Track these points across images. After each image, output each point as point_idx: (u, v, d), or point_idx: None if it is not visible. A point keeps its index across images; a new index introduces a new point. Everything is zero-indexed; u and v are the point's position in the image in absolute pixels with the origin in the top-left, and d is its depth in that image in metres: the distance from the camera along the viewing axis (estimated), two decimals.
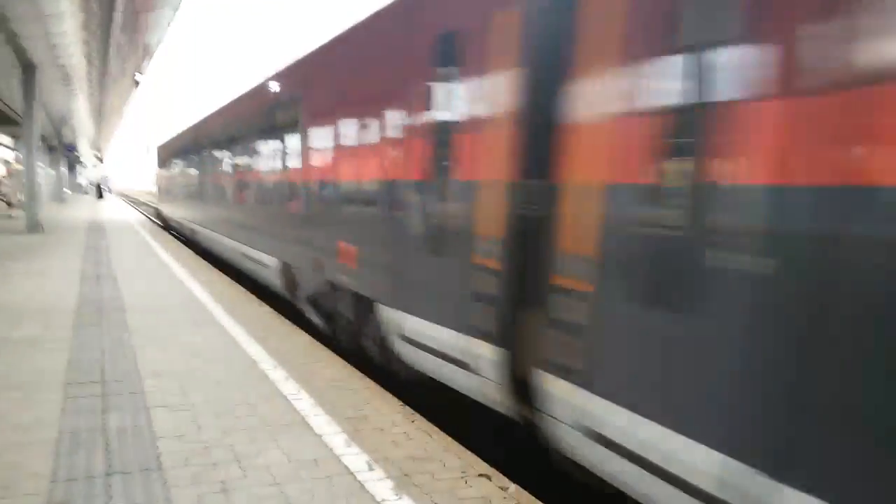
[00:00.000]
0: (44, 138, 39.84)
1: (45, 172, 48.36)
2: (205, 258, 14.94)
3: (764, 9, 2.72)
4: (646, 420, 3.18)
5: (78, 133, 46.82)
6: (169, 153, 22.94)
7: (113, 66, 20.47)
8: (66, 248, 15.83)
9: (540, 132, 4.00)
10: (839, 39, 2.43)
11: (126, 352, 6.45)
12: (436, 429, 4.58)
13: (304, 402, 5.03)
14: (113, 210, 37.62)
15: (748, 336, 2.73)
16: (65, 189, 48.91)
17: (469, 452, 4.26)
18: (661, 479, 3.09)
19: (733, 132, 2.81)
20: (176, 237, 20.74)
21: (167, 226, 24.59)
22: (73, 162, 52.42)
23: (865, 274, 2.34)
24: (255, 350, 6.68)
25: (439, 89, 5.18)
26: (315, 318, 8.55)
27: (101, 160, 62.26)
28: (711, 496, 2.82)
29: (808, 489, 2.47)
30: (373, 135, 6.38)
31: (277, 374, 5.78)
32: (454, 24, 4.92)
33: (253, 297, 10.01)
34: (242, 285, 11.16)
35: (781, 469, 2.58)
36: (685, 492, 2.96)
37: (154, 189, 31.00)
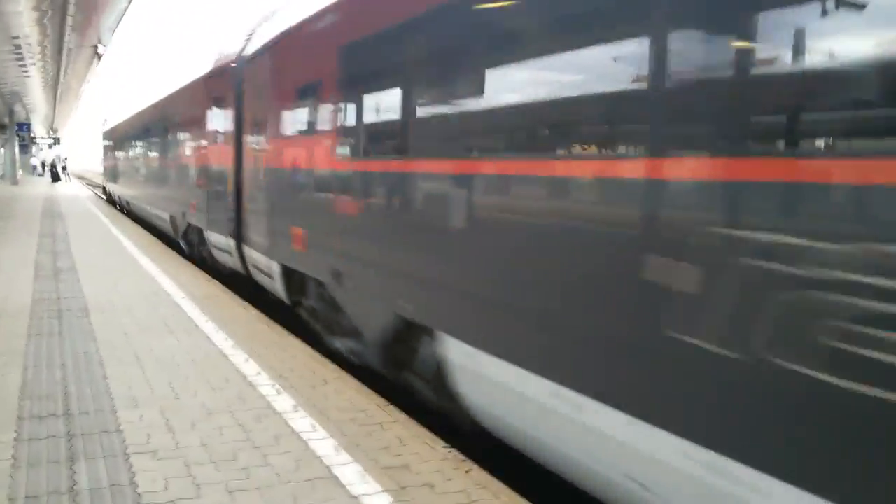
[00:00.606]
0: None
1: None
2: (140, 224, 18.97)
3: None
4: (261, 255, 8.32)
5: (32, 111, 44.37)
6: (110, 139, 28.80)
7: (70, 40, 18.97)
8: (19, 236, 14.42)
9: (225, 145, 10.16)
10: None
11: (93, 369, 5.36)
12: (499, 484, 3.64)
13: (324, 445, 4.03)
14: (70, 193, 35.61)
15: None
16: (18, 171, 46.44)
17: None
18: (265, 274, 8.29)
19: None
20: (120, 210, 24.28)
21: (111, 200, 29.26)
22: (26, 142, 49.69)
23: None
24: (247, 366, 5.65)
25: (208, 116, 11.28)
26: (184, 246, 13.63)
27: (57, 141, 59.32)
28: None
29: None
30: (187, 144, 13.05)
31: (283, 402, 4.77)
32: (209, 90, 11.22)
33: (225, 289, 8.92)
34: (204, 270, 10.07)
35: None
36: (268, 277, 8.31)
37: (100, 169, 37.71)
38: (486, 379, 4.06)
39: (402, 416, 4.65)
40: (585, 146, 3.57)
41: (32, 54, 22.19)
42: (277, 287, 8.01)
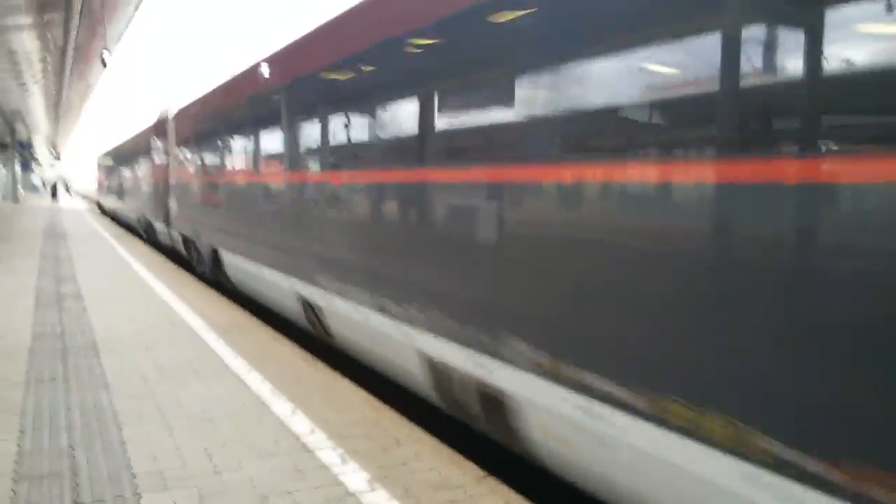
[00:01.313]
0: None
1: None
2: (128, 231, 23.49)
3: None
4: (175, 231, 14.22)
5: (33, 130, 43.53)
6: (100, 165, 36.55)
7: (72, 57, 18.04)
8: (18, 258, 13.39)
9: (161, 169, 15.67)
10: None
11: (108, 431, 4.28)
12: None
13: None
14: (73, 211, 34.62)
15: None
16: (20, 189, 45.48)
17: None
18: (175, 241, 14.42)
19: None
20: (111, 219, 30.20)
21: (103, 211, 36.37)
22: (26, 160, 48.80)
23: None
24: (296, 420, 4.58)
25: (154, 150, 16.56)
26: (143, 234, 19.58)
27: (58, 158, 58.50)
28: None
29: None
30: (143, 168, 18.61)
31: (355, 477, 3.69)
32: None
33: (247, 314, 7.85)
34: (222, 293, 9.02)
35: None
36: (177, 242, 14.45)
37: (95, 186, 45.25)
38: (240, 268, 9.35)
39: (512, 495, 3.57)
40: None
41: (34, 71, 21.30)
42: (179, 246, 14.15)
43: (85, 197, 70.85)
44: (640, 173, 3.04)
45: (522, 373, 3.71)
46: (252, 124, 8.73)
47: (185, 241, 13.27)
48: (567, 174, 3.38)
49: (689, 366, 2.74)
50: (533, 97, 3.61)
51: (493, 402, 4.10)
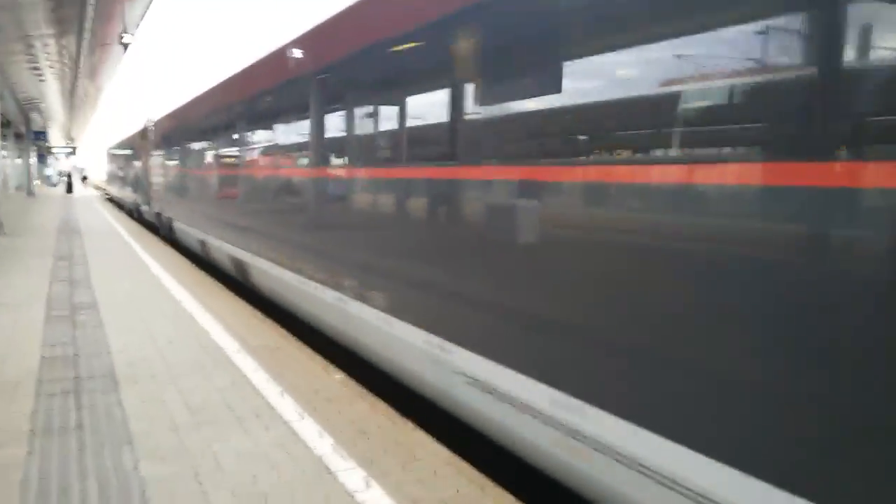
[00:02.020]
0: (9, 124, 35.96)
1: (10, 162, 44.44)
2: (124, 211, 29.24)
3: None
4: (151, 209, 20.63)
5: (48, 119, 42.76)
6: (109, 157, 43.24)
7: (88, 40, 17.12)
8: (31, 258, 12.45)
9: (144, 165, 22.45)
10: None
11: None
12: None
13: None
14: (88, 206, 33.84)
15: None
16: (35, 181, 44.85)
17: None
18: (152, 217, 20.87)
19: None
20: (118, 206, 34.27)
21: (111, 198, 41.63)
22: (42, 151, 48.14)
23: None
24: (372, 497, 3.54)
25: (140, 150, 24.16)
26: (136, 214, 25.67)
27: (74, 151, 57.87)
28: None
29: None
30: (133, 164, 27.05)
31: None
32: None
33: (284, 332, 6.82)
34: (258, 307, 8.01)
35: None
36: (153, 218, 20.70)
37: (104, 177, 53.45)
38: (183, 231, 15.21)
39: None
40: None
41: (49, 53, 20.38)
42: (154, 220, 19.99)
43: (98, 188, 70.82)
44: None
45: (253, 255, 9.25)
46: (191, 136, 14.03)
47: (158, 216, 19.14)
48: None
49: None
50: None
51: (243, 265, 9.77)
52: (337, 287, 6.31)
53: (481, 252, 4.17)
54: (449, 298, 4.53)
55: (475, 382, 4.23)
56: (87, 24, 14.53)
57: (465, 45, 4.23)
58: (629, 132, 3.24)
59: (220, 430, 4.41)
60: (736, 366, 2.51)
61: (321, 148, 6.97)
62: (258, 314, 8.23)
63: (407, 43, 4.99)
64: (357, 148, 6.21)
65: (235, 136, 10.36)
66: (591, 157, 3.44)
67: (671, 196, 2.85)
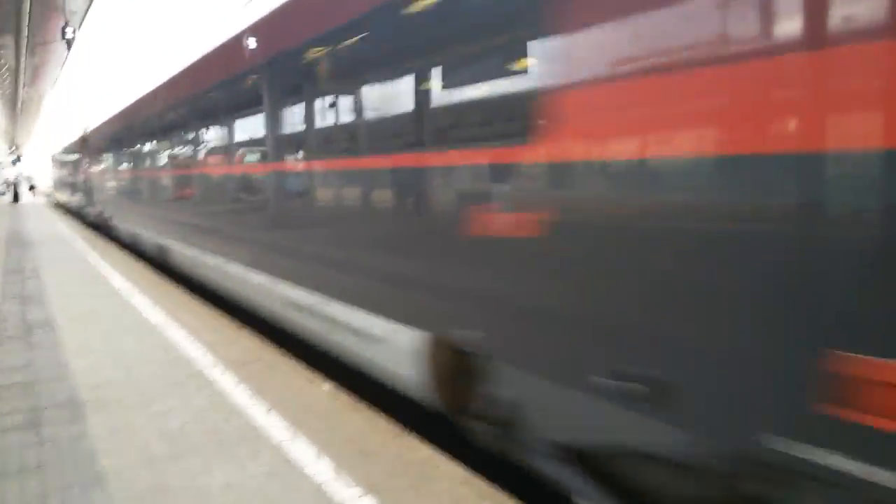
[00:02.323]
0: None
1: None
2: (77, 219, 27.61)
3: None
4: (94, 210, 22.43)
5: None
6: (54, 163, 43.39)
7: (27, 38, 16.15)
8: None
9: (85, 171, 24.45)
10: None
11: None
12: None
13: None
14: (38, 213, 32.37)
15: None
16: None
17: None
18: (94, 217, 22.52)
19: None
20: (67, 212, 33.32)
21: (59, 203, 41.26)
22: None
23: None
24: None
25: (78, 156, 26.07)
26: (82, 216, 26.05)
27: (18, 158, 55.57)
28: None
29: None
30: (75, 169, 27.88)
31: None
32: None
33: (262, 340, 6.31)
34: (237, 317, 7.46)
35: None
36: (93, 217, 22.91)
37: (51, 182, 51.43)
38: (118, 226, 17.56)
39: None
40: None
41: None
42: (96, 219, 21.25)
43: (47, 196, 68.41)
44: None
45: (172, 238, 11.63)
46: (119, 144, 15.79)
47: (99, 215, 20.77)
48: None
49: None
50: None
51: (162, 248, 12.34)
52: (216, 252, 8.97)
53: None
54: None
55: (287, 301, 6.70)
56: (25, 21, 13.63)
57: None
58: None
59: (203, 460, 3.92)
60: None
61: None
62: (228, 321, 7.67)
63: None
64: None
65: (153, 144, 13.09)
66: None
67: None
